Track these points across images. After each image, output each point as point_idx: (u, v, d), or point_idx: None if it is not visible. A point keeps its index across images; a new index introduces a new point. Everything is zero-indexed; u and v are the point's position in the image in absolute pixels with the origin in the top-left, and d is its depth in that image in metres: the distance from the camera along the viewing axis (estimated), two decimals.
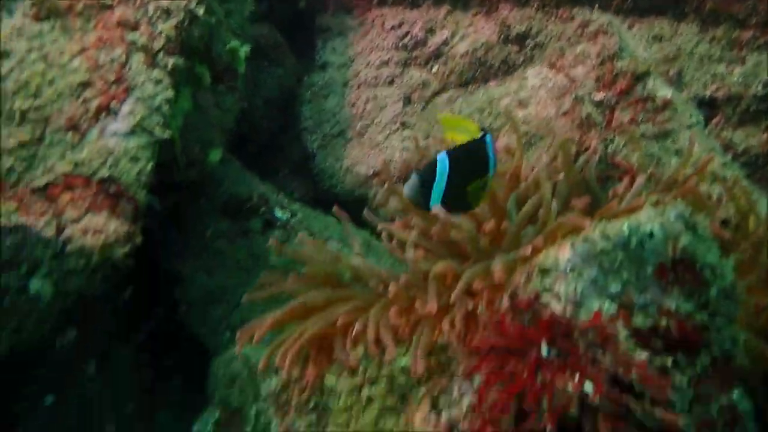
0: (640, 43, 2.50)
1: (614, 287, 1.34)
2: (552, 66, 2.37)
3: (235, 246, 2.88)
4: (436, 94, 3.22)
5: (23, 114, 1.70)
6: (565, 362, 1.23)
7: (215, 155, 2.78)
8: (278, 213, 2.97)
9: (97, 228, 1.60)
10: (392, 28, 3.40)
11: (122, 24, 1.86)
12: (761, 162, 2.24)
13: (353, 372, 1.63)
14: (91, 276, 1.60)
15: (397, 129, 3.24)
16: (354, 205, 3.25)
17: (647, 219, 1.39)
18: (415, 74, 3.28)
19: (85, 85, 1.78)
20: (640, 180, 1.68)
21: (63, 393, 2.35)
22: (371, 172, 3.20)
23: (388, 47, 3.39)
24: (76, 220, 1.61)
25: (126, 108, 1.78)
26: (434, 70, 3.24)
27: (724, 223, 1.77)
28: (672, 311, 1.32)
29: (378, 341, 1.57)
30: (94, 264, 1.59)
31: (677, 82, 2.35)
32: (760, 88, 2.26)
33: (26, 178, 1.62)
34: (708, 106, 2.31)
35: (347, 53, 3.56)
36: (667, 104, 2.09)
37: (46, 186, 1.63)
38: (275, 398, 1.84)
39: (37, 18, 1.80)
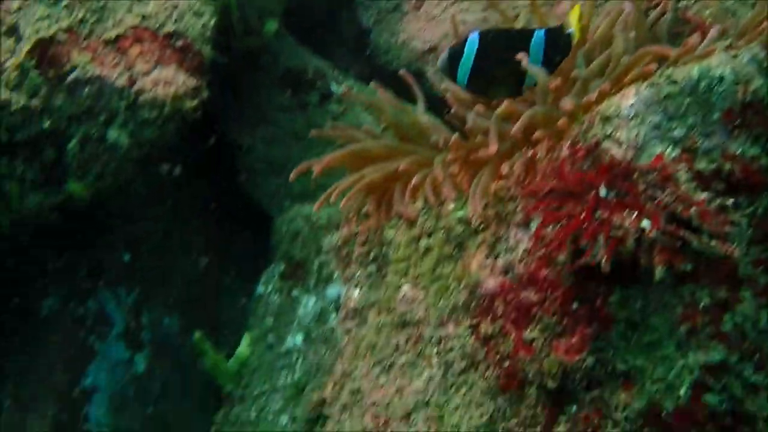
0: None
1: (678, 132, 1.33)
2: None
3: (293, 117, 2.94)
4: None
5: None
6: (623, 202, 1.25)
7: (272, 25, 2.78)
8: (334, 87, 3.00)
9: (167, 80, 1.66)
10: None
11: None
12: None
13: (412, 224, 1.69)
14: (164, 126, 1.68)
15: (454, 1, 3.16)
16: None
17: (718, 63, 1.35)
18: None
19: None
20: (713, 32, 1.63)
21: (138, 248, 2.51)
22: (427, 47, 3.15)
23: None
24: (147, 73, 1.67)
25: None
26: None
27: None
28: (737, 155, 1.31)
29: (436, 193, 1.62)
30: (166, 115, 1.66)
31: None
32: None
33: (98, 31, 1.67)
34: None
35: None
36: None
37: (117, 38, 1.68)
38: (337, 251, 1.94)
39: None
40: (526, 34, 1.68)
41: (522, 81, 1.68)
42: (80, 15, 1.67)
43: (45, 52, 1.63)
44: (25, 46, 1.61)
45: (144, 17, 1.72)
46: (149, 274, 2.55)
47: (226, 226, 2.92)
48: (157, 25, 1.72)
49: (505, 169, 1.46)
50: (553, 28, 1.70)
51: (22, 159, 1.67)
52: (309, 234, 1.97)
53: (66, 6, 1.67)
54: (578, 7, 1.70)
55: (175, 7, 1.75)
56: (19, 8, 1.65)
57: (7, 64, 1.61)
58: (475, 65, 1.67)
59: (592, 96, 1.52)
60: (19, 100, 1.60)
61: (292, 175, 1.77)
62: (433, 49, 3.18)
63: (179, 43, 1.72)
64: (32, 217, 1.80)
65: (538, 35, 1.65)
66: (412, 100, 2.22)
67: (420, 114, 1.83)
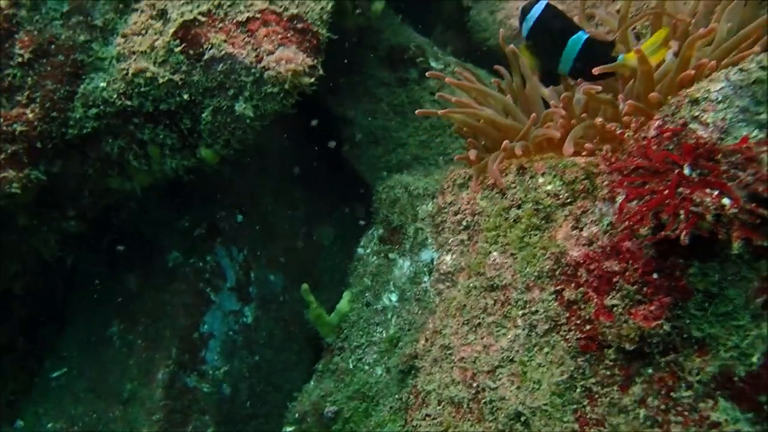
0: None
1: (765, 116, 1.40)
2: None
3: (395, 92, 3.11)
4: None
5: None
6: (705, 180, 1.35)
7: (379, 5, 2.95)
8: (433, 63, 3.14)
9: (288, 59, 1.85)
10: None
11: None
12: None
13: (503, 194, 1.83)
14: (284, 100, 1.88)
15: None
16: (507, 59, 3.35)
17: None
18: None
19: None
20: None
21: (250, 211, 2.78)
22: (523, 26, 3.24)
23: None
24: (271, 52, 1.87)
25: None
26: None
27: None
28: None
29: (524, 168, 1.75)
30: (287, 90, 1.86)
31: None
32: None
33: (231, 14, 1.89)
34: None
35: None
36: None
37: (247, 21, 1.89)
38: (432, 219, 2.10)
39: None
40: (571, 29, 1.82)
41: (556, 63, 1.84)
42: (217, 0, 1.90)
43: (187, 33, 1.86)
44: (171, 28, 1.85)
45: (271, 1, 1.92)
46: (258, 235, 2.81)
47: (330, 193, 3.16)
48: (282, 9, 1.92)
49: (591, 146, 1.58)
50: (596, 39, 1.82)
51: (163, 126, 1.93)
52: (407, 201, 2.14)
53: None
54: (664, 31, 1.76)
55: None
56: None
57: (157, 43, 1.86)
58: (534, 26, 1.88)
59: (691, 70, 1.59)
60: (164, 74, 1.85)
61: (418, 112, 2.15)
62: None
63: (300, 25, 1.91)
64: (169, 177, 2.06)
65: (580, 37, 1.79)
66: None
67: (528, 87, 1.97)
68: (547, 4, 1.89)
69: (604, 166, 1.55)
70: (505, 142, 1.80)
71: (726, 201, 1.31)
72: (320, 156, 3.12)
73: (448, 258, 1.95)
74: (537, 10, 1.89)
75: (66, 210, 2.00)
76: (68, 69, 1.84)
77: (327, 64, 2.38)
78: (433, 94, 3.00)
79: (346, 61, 3.06)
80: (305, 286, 2.26)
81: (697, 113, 1.45)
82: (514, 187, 1.80)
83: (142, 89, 1.87)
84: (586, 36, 1.81)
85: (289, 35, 1.90)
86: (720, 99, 1.43)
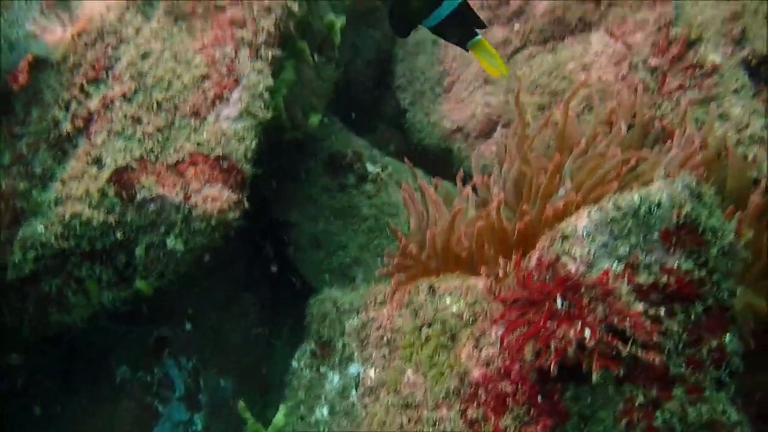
0: (708, 1, 2.56)
1: (623, 250, 1.59)
2: (612, 34, 2.51)
3: (336, 197, 3.29)
4: (517, 51, 3.40)
5: (159, 104, 2.13)
6: (570, 313, 1.51)
7: (315, 119, 3.16)
8: (370, 167, 3.35)
9: (214, 197, 2.03)
10: None
11: (233, 23, 2.24)
12: None
13: (415, 313, 1.99)
14: (212, 235, 2.04)
15: (480, 85, 3.47)
16: (440, 157, 3.58)
17: (657, 189, 1.61)
18: (498, 32, 3.46)
19: (204, 77, 2.18)
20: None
21: (198, 318, 2.90)
22: (455, 127, 3.48)
23: (474, 6, 3.57)
24: (199, 191, 2.05)
25: (235, 95, 2.18)
26: (515, 28, 3.41)
27: None
28: (673, 269, 1.56)
29: (433, 289, 1.92)
30: (214, 225, 2.03)
31: (741, 39, 2.41)
32: None
33: (162, 157, 2.07)
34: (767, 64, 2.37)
35: None
36: (716, 69, 2.20)
37: (177, 163, 2.07)
38: (357, 333, 2.25)
39: (169, 22, 2.22)
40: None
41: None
42: (150, 145, 2.08)
43: (120, 177, 2.03)
44: (105, 173, 2.03)
45: (199, 144, 2.10)
46: (208, 341, 2.93)
47: (280, 294, 3.29)
48: (209, 150, 2.10)
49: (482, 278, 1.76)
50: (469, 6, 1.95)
51: (99, 263, 2.08)
52: (335, 316, 2.28)
53: (139, 139, 2.08)
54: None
55: (224, 134, 2.13)
56: (103, 142, 2.07)
57: (92, 187, 2.02)
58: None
59: (560, 204, 1.80)
60: (99, 216, 2.01)
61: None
62: (459, 129, 3.50)
63: (225, 164, 2.09)
64: (108, 308, 2.20)
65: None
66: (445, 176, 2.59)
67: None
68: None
69: (490, 298, 1.72)
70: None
71: (587, 333, 1.48)
72: (269, 259, 3.28)
73: (372, 372, 2.09)
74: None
75: (6, 345, 2.13)
76: (8, 216, 2.00)
77: (270, 172, 2.57)
78: (370, 198, 3.20)
79: (290, 168, 3.26)
80: (241, 403, 2.38)
81: (567, 247, 1.63)
82: (425, 307, 1.97)
83: (78, 231, 2.02)
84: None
85: (215, 174, 2.08)
86: (585, 235, 1.62)
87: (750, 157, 2.04)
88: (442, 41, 3.74)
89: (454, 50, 3.61)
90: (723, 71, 2.23)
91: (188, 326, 2.89)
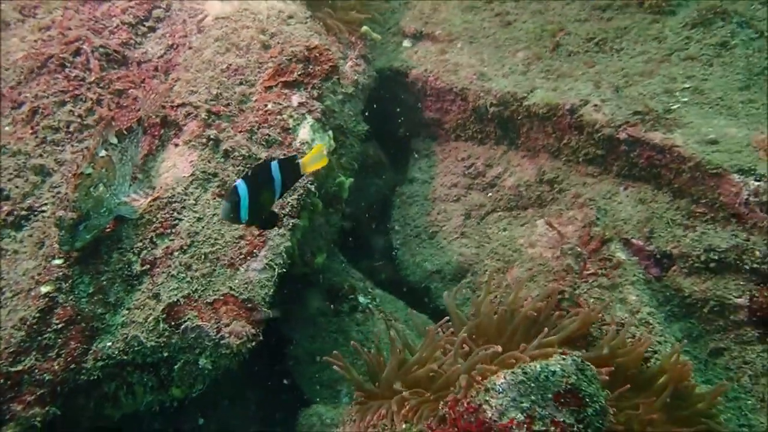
0: (630, 202, 3.24)
1: (525, 404, 2.16)
2: (551, 224, 3.18)
3: (331, 321, 3.89)
4: (489, 213, 4.07)
5: (206, 255, 2.78)
6: None
7: (321, 258, 3.81)
8: (361, 298, 3.96)
9: (238, 331, 2.63)
10: (462, 159, 4.29)
11: None
12: (700, 304, 2.94)
13: None
14: (233, 359, 2.63)
15: (457, 237, 4.13)
16: (421, 293, 4.17)
17: (554, 362, 2.21)
18: (475, 197, 4.15)
19: (240, 238, 2.84)
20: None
21: (208, 414, 3.42)
22: (434, 269, 4.11)
23: (458, 173, 4.28)
24: (227, 325, 2.65)
25: (262, 253, 2.83)
26: (489, 195, 4.10)
27: None
28: (560, 422, 2.13)
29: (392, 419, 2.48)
30: (235, 352, 2.63)
31: (649, 237, 3.08)
32: (702, 251, 2.96)
33: (203, 297, 2.69)
34: (668, 258, 3.03)
35: (429, 173, 4.49)
36: (620, 264, 2.85)
37: (214, 301, 2.69)
38: None
39: (218, 195, 2.90)
40: (266, 166, 2.17)
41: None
42: (195, 287, 2.70)
43: (172, 310, 2.65)
44: (161, 306, 2.65)
45: (231, 288, 2.73)
46: None
47: (276, 400, 3.81)
48: (239, 294, 2.73)
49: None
50: (284, 158, 2.26)
51: (147, 373, 2.66)
52: (320, 428, 2.83)
53: (188, 281, 2.71)
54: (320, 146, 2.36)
55: (251, 281, 2.76)
56: (162, 282, 2.70)
57: (149, 317, 2.64)
58: (250, 206, 2.15)
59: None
60: (150, 340, 2.62)
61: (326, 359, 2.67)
62: (438, 272, 4.13)
63: (249, 305, 2.72)
64: (147, 407, 2.77)
65: (274, 165, 2.19)
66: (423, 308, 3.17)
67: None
68: (244, 179, 2.17)
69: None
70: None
71: None
72: (272, 367, 3.83)
73: None
74: (244, 192, 2.15)
75: (70, 430, 2.67)
76: (87, 333, 2.61)
77: (279, 296, 3.16)
78: (359, 325, 3.80)
79: (297, 295, 3.88)
80: None
81: (488, 398, 2.22)
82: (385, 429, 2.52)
83: (136, 348, 2.62)
84: (276, 161, 2.23)
85: (241, 312, 2.69)
86: (500, 390, 2.21)
87: (637, 335, 2.64)
88: (430, 197, 4.47)
89: (439, 206, 4.31)
90: (626, 266, 2.87)
91: (201, 420, 3.42)
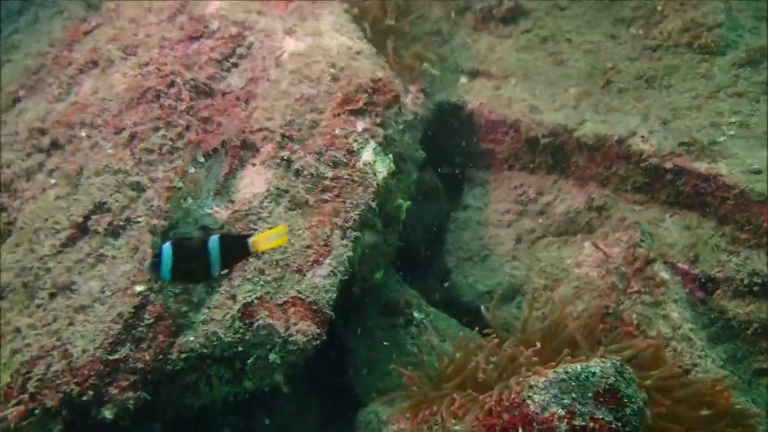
0: (676, 228, 3.37)
1: (566, 400, 2.32)
2: (596, 245, 3.34)
3: (386, 334, 4.10)
4: (539, 238, 4.25)
5: (277, 262, 3.07)
6: None
7: (379, 274, 4.04)
8: (416, 314, 4.17)
9: (304, 330, 2.89)
10: (514, 187, 4.49)
11: (331, 213, 3.21)
12: (743, 326, 3.03)
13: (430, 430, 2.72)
14: (300, 355, 2.89)
15: (508, 260, 4.31)
16: (473, 312, 4.34)
17: (594, 364, 2.37)
18: (527, 222, 4.34)
19: (308, 247, 3.12)
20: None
21: (275, 415, 3.67)
22: (486, 290, 4.29)
23: (510, 200, 4.48)
24: (296, 324, 2.91)
25: (327, 261, 3.10)
26: (540, 221, 4.28)
27: None
28: (599, 419, 2.28)
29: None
30: (302, 349, 2.88)
31: (694, 261, 3.20)
32: (746, 275, 3.06)
33: (274, 299, 2.97)
34: (713, 282, 3.14)
35: (483, 200, 4.70)
36: (664, 282, 2.97)
37: (284, 303, 2.97)
38: None
39: (290, 208, 3.20)
40: (203, 239, 2.29)
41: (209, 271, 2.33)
42: (267, 290, 2.99)
43: (246, 310, 2.94)
44: (237, 306, 2.94)
45: (299, 291, 3.00)
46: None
47: (336, 406, 4.02)
48: (305, 297, 2.99)
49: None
50: (228, 235, 2.38)
51: (223, 366, 2.94)
52: (376, 426, 3.03)
53: (261, 284, 3.00)
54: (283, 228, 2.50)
55: (316, 286, 3.02)
56: (238, 285, 3.00)
57: (227, 315, 2.93)
58: (174, 266, 2.26)
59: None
60: (227, 336, 2.91)
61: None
62: (489, 292, 4.29)
63: (314, 307, 2.97)
64: (221, 397, 3.04)
65: (214, 240, 2.31)
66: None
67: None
68: (173, 242, 2.30)
69: (478, 423, 2.47)
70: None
71: None
72: (333, 375, 4.06)
73: None
74: (168, 253, 2.25)
75: (155, 417, 2.97)
76: (173, 328, 2.91)
77: (340, 310, 3.41)
78: (413, 338, 4.01)
79: (356, 308, 4.12)
80: None
81: (531, 394, 2.39)
82: (437, 426, 2.71)
83: (215, 342, 2.91)
84: (218, 236, 2.35)
85: (308, 313, 2.96)
86: (543, 387, 2.37)
87: (678, 349, 2.76)
88: (483, 222, 4.66)
89: (491, 231, 4.50)
90: (669, 285, 3.00)
91: (267, 421, 3.67)
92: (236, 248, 2.36)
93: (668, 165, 3.55)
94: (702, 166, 3.44)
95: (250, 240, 2.37)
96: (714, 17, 4.17)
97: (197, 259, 2.33)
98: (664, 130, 3.69)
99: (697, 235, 3.31)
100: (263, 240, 2.39)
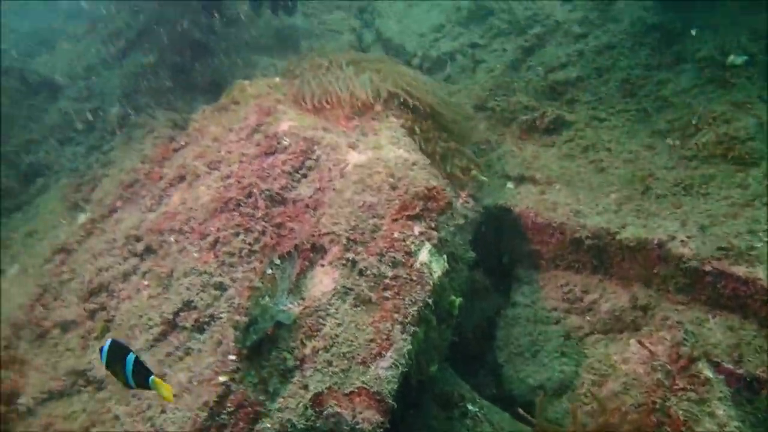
0: (719, 328, 3.55)
1: None
2: (642, 343, 3.54)
3: (443, 425, 4.27)
4: (587, 335, 4.43)
5: (344, 354, 3.37)
6: None
7: (434, 368, 4.27)
8: (470, 406, 4.34)
9: (369, 418, 3.14)
10: (561, 285, 4.73)
11: (392, 310, 3.52)
12: None
13: None
14: None
15: (558, 356, 4.48)
16: (525, 406, 4.49)
17: None
18: (574, 320, 4.54)
19: (371, 341, 3.42)
20: None
21: None
22: (537, 384, 4.45)
23: (557, 298, 4.71)
24: (361, 413, 3.17)
25: (388, 354, 3.38)
26: (586, 318, 4.48)
27: None
28: None
29: None
30: None
31: (738, 361, 3.35)
32: None
33: (342, 389, 3.24)
34: (757, 382, 3.28)
35: (531, 298, 4.94)
36: (708, 381, 3.13)
37: (350, 393, 3.23)
38: None
39: (355, 304, 3.53)
40: (124, 353, 2.57)
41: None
42: (335, 380, 3.27)
43: (317, 399, 3.21)
44: (309, 395, 3.22)
45: (364, 382, 3.27)
46: None
47: None
48: (369, 386, 3.26)
49: None
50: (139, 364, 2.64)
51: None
52: None
53: (330, 375, 3.28)
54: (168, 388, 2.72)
55: (380, 377, 3.29)
56: (310, 375, 3.28)
57: (299, 404, 3.21)
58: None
59: None
60: (300, 423, 3.17)
61: None
62: (540, 387, 4.43)
63: (377, 397, 3.23)
64: None
65: (130, 357, 2.57)
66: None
67: None
68: (112, 341, 2.62)
69: None
70: None
71: None
72: None
73: None
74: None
75: None
76: (252, 416, 3.21)
77: (400, 400, 3.61)
78: (468, 430, 4.17)
79: (412, 399, 4.33)
80: None
81: None
82: None
83: (289, 429, 3.17)
84: (133, 356, 2.59)
85: (372, 403, 3.21)
86: None
87: None
88: (532, 319, 4.87)
89: (539, 327, 4.70)
90: (713, 383, 3.16)
91: None
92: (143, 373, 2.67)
93: (707, 268, 3.76)
94: (741, 270, 3.64)
95: (153, 378, 2.67)
96: (746, 131, 4.47)
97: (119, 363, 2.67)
98: (703, 235, 3.92)
99: (739, 335, 3.48)
100: (160, 384, 2.70)
